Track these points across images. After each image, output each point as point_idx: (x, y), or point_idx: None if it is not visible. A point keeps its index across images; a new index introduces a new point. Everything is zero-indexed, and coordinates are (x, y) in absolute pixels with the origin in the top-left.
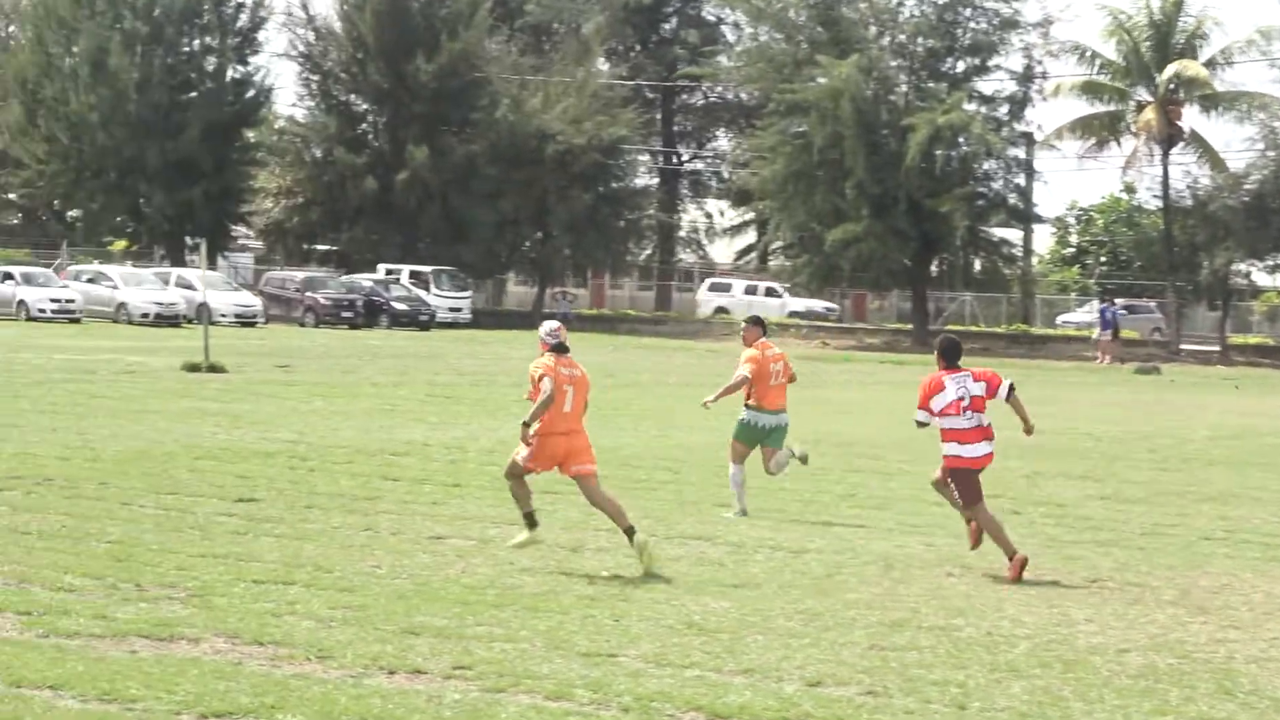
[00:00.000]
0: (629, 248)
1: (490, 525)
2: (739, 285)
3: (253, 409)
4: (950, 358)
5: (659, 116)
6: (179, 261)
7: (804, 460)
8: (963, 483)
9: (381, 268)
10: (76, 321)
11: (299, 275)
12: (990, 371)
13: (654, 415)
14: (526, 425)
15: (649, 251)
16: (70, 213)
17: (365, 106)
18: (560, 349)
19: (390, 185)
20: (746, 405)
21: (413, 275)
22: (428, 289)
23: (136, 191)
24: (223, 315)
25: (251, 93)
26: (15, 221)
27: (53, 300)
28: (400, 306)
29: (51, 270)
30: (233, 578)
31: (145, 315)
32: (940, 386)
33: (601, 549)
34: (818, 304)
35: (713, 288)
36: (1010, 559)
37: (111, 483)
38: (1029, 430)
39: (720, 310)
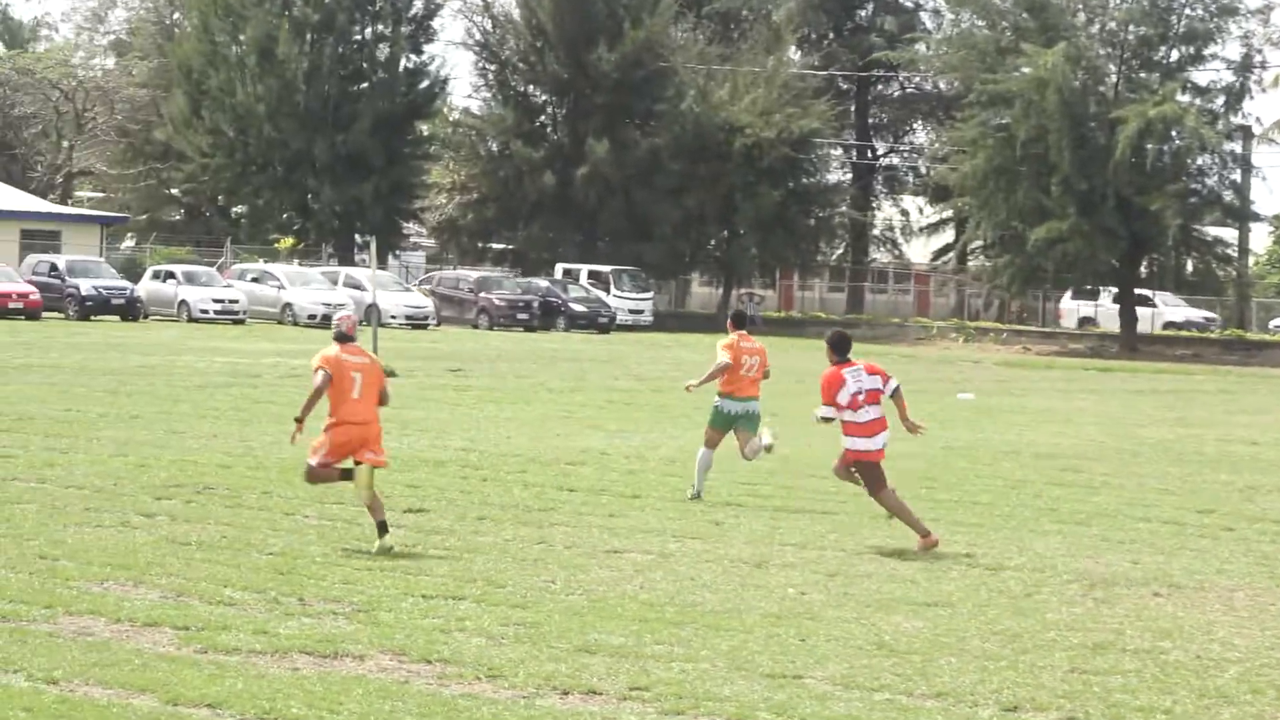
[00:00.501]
0: (819, 247)
1: (670, 539)
2: (1106, 294)
3: (423, 415)
4: (841, 350)
5: (853, 108)
6: (347, 260)
7: (769, 449)
8: (867, 474)
9: (559, 267)
10: (240, 323)
11: (473, 275)
12: (879, 366)
13: None
14: (299, 420)
15: (840, 251)
16: (234, 209)
17: (544, 98)
18: (343, 338)
19: (569, 180)
20: (719, 393)
21: (592, 275)
22: (607, 290)
23: (304, 186)
24: (393, 317)
25: (425, 83)
26: (177, 218)
27: (215, 300)
28: (578, 308)
29: (214, 269)
30: (400, 592)
31: (312, 317)
32: (841, 381)
33: (788, 564)
34: (1195, 314)
35: (1077, 295)
36: (923, 537)
37: (274, 492)
38: (911, 429)
39: (1086, 320)
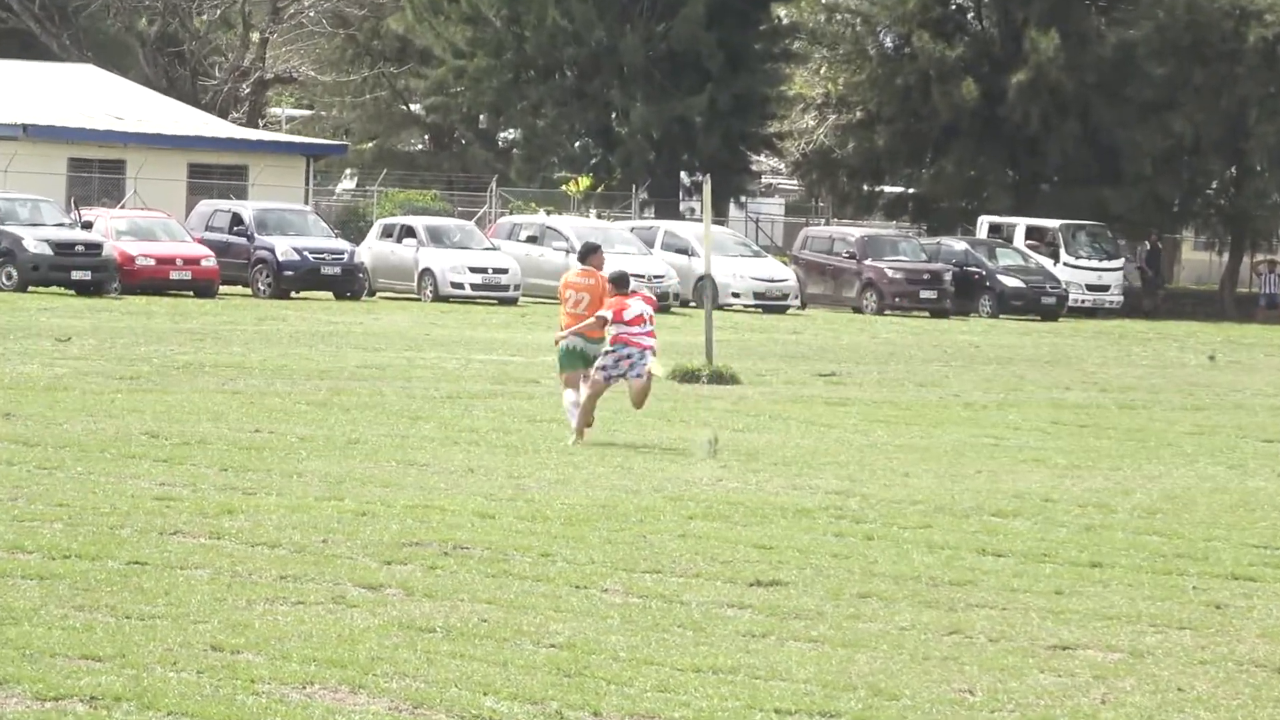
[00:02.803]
0: None
1: (1147, 628)
2: None
3: (778, 442)
4: None
5: None
6: (669, 211)
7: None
8: None
9: (983, 221)
10: (511, 302)
11: (854, 233)
12: None
13: None
14: None
15: None
16: (503, 134)
17: None
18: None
19: (999, 92)
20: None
21: (1032, 233)
22: (1055, 255)
23: (605, 101)
24: (735, 295)
25: None
26: (418, 147)
27: (474, 270)
28: (1011, 282)
29: (472, 223)
30: (744, 704)
31: None
32: None
33: None
34: None
35: None
36: None
37: (558, 553)
38: None
39: None
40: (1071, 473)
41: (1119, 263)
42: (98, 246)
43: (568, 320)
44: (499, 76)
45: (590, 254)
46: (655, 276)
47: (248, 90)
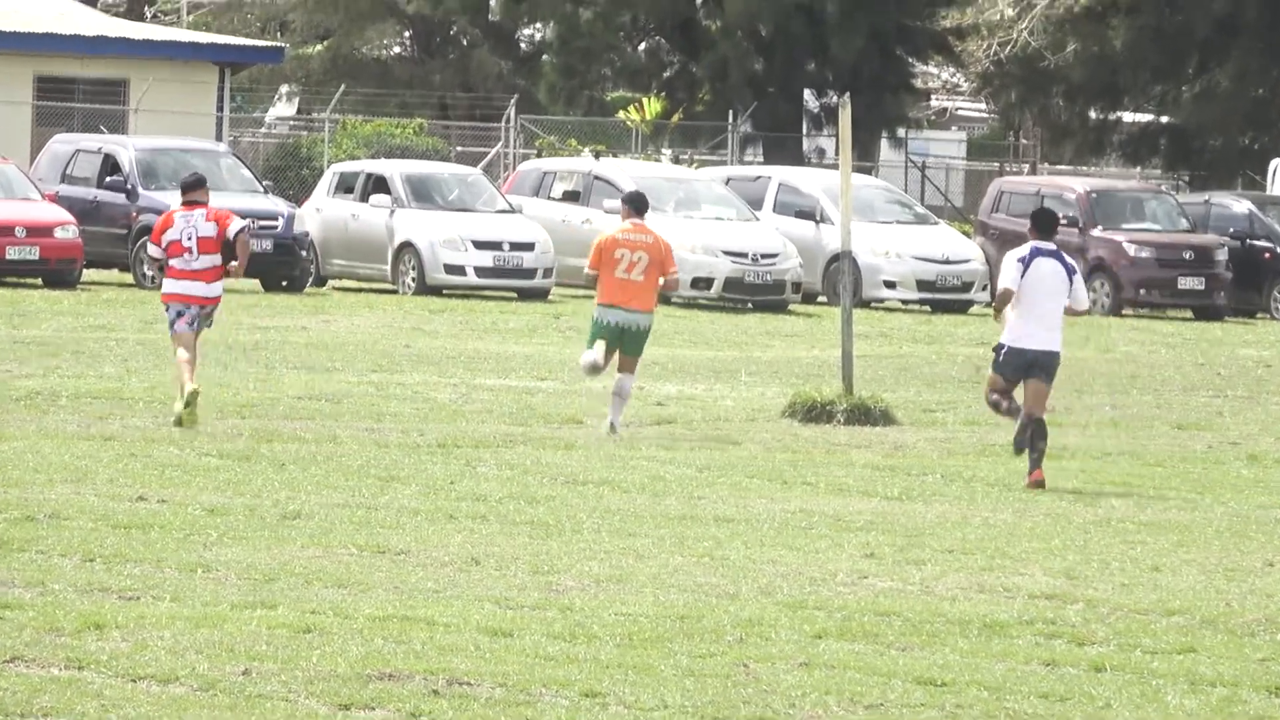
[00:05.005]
0: None
1: None
2: None
3: (955, 516)
4: None
5: None
6: (785, 153)
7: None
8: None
9: (1277, 168)
10: (538, 295)
11: (1076, 187)
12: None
13: None
14: None
15: None
16: (526, 30)
17: None
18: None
19: None
20: (597, 303)
21: None
22: None
23: None
24: (890, 284)
25: None
26: (394, 53)
27: (483, 245)
28: None
29: (479, 171)
30: None
31: (700, 283)
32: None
33: None
34: None
35: None
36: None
37: (611, 691)
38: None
39: None
40: None
41: None
42: None
43: (608, 288)
44: None
45: (643, 206)
46: (765, 256)
47: None
